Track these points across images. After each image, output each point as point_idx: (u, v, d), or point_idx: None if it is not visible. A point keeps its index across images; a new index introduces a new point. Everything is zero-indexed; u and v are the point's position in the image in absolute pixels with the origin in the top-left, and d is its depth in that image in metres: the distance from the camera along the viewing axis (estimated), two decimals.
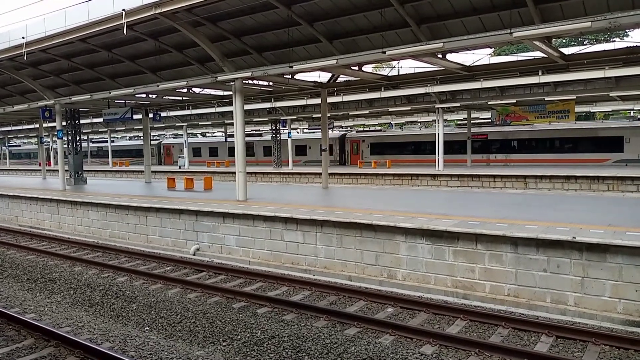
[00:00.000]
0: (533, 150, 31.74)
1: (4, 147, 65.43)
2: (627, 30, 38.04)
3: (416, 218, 11.03)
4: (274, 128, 39.57)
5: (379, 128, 51.22)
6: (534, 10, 11.03)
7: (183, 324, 8.38)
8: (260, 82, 19.34)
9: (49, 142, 52.40)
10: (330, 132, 39.52)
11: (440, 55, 14.06)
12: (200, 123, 41.06)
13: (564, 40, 39.50)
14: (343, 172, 31.11)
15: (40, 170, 37.96)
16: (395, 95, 28.30)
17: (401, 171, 29.50)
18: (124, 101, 22.98)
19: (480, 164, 32.53)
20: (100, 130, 49.02)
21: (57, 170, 24.41)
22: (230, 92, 16.60)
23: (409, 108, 30.86)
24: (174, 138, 59.07)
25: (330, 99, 25.51)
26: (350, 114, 34.96)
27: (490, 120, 35.04)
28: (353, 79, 18.79)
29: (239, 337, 7.71)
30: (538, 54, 15.65)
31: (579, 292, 8.56)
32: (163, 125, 43.27)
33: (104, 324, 8.49)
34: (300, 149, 41.56)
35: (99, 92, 20.49)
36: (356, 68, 16.01)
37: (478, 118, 40.29)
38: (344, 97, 28.86)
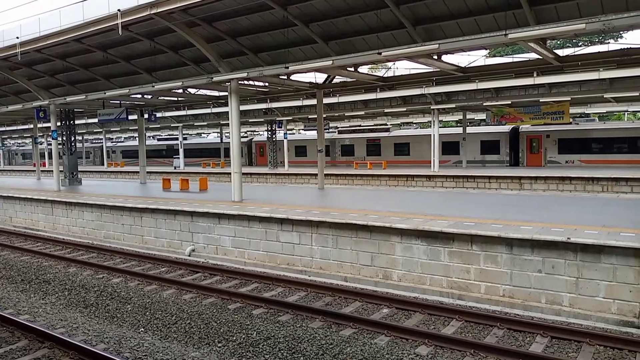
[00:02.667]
0: None
1: None
2: (621, 32, 38.38)
3: (411, 219, 11.04)
4: (269, 129, 39.53)
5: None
6: (529, 12, 11.07)
7: (178, 325, 8.36)
8: (256, 83, 19.33)
9: (43, 142, 52.22)
10: (494, 126, 33.82)
11: (435, 57, 14.09)
12: (195, 124, 40.98)
13: (558, 42, 39.89)
14: (339, 173, 31.12)
15: (34, 170, 37.76)
16: (391, 96, 28.39)
17: (397, 172, 29.54)
18: (119, 102, 22.90)
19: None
20: (94, 129, 48.80)
21: (52, 171, 24.28)
22: (226, 93, 16.56)
23: (405, 109, 30.94)
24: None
25: (326, 100, 25.57)
26: (346, 114, 34.99)
27: None
28: (349, 79, 18.79)
29: (234, 338, 7.70)
30: (533, 56, 15.70)
31: (573, 292, 8.59)
32: (158, 125, 43.11)
33: (99, 325, 8.46)
34: (450, 147, 34.35)
35: (94, 93, 20.42)
36: (352, 69, 16.02)
37: (473, 119, 40.37)
38: (340, 98, 28.90)
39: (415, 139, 36.22)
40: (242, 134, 53.60)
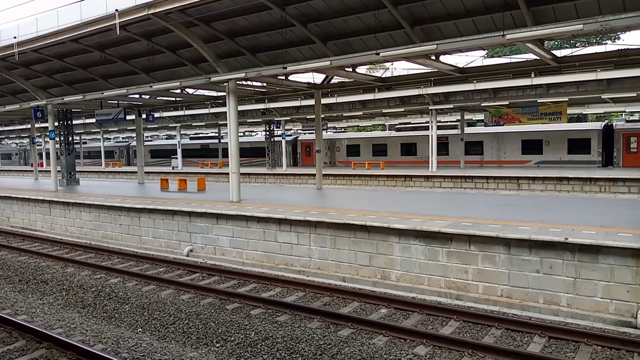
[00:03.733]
0: None
1: None
2: (618, 33, 38.48)
3: (410, 219, 11.05)
4: (267, 129, 39.51)
5: None
6: (527, 13, 11.09)
7: (176, 325, 8.35)
8: (254, 83, 19.33)
9: (41, 142, 52.11)
10: (584, 123, 31.43)
11: (433, 57, 14.11)
12: (193, 124, 40.94)
13: (556, 43, 39.97)
14: (337, 174, 31.13)
15: (32, 170, 37.69)
16: (389, 97, 28.38)
17: (395, 172, 29.56)
18: (116, 102, 22.88)
19: None
20: (92, 129, 48.71)
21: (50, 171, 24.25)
22: (224, 93, 16.58)
23: (403, 109, 30.95)
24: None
25: (324, 100, 25.54)
26: (344, 115, 35.00)
27: None
28: (347, 80, 18.82)
29: (232, 338, 7.70)
30: (531, 56, 15.74)
31: (571, 292, 8.61)
32: (156, 125, 43.02)
33: (97, 325, 8.45)
34: (530, 146, 31.26)
35: (91, 93, 20.39)
36: (350, 69, 16.04)
37: (471, 119, 40.37)
38: (338, 98, 28.90)
39: (492, 137, 32.78)
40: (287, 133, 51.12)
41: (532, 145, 31.27)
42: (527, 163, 31.15)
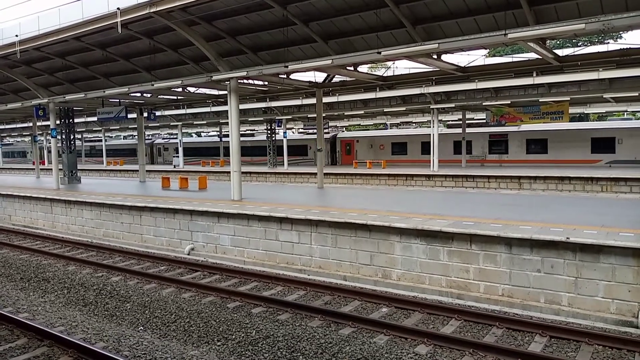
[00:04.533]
0: None
1: None
2: (620, 33, 38.42)
3: (411, 218, 11.05)
4: (268, 128, 39.51)
5: None
6: (529, 12, 11.08)
7: (177, 323, 8.36)
8: (256, 82, 19.31)
9: (42, 140, 52.13)
10: None
11: (435, 56, 14.10)
12: (195, 122, 40.93)
13: (558, 42, 39.91)
14: (338, 172, 31.13)
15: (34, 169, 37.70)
16: (390, 96, 28.35)
17: (396, 171, 29.55)
18: (118, 100, 22.90)
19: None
20: (93, 128, 48.73)
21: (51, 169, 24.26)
22: (225, 92, 16.57)
23: (404, 108, 30.91)
24: (357, 130, 45.24)
25: (325, 99, 25.54)
26: (345, 114, 34.99)
27: None
28: (348, 79, 18.81)
29: (233, 336, 7.70)
30: (532, 56, 15.72)
31: (572, 292, 8.60)
32: (158, 124, 43.00)
33: (98, 323, 8.46)
34: (602, 144, 28.64)
35: (93, 91, 20.41)
36: (351, 68, 16.03)
37: (472, 119, 40.29)
38: (339, 97, 28.89)
39: (556, 134, 30.42)
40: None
41: (603, 144, 28.66)
42: (597, 163, 28.65)
